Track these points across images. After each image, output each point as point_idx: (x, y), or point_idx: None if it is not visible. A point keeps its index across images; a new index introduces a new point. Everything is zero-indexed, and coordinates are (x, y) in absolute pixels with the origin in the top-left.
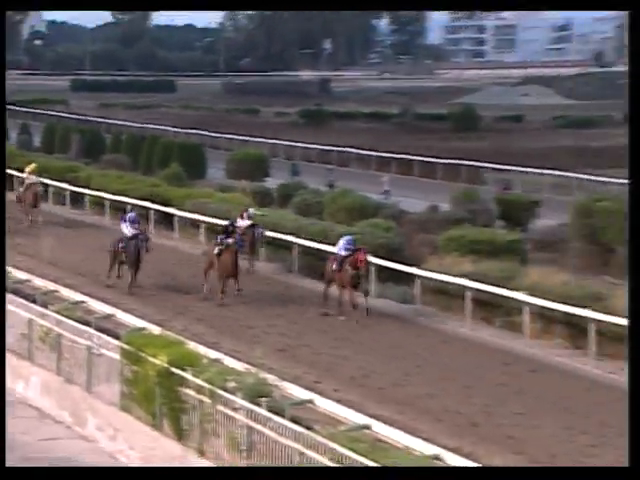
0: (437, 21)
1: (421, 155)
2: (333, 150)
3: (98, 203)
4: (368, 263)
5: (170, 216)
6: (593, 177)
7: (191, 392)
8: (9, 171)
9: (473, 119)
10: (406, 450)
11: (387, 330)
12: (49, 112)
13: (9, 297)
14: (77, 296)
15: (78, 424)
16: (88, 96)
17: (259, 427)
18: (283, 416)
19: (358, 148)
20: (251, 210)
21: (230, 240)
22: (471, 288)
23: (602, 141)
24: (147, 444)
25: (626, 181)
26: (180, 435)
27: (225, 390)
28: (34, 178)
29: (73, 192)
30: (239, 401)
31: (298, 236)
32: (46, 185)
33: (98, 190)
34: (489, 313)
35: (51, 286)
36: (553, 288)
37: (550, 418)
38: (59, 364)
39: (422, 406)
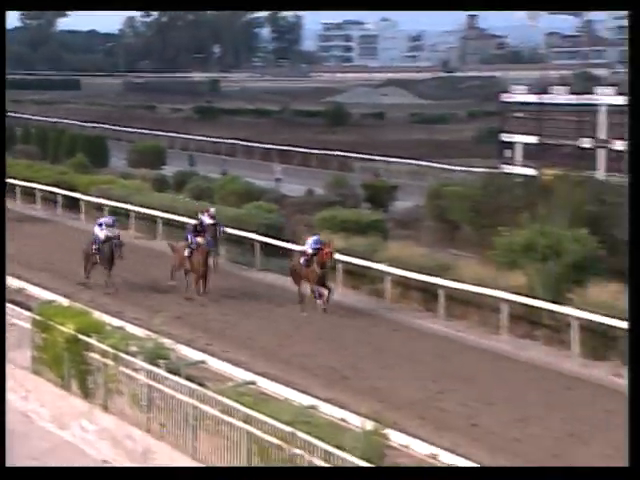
0: (311, 30)
1: (298, 146)
2: (223, 142)
3: (10, 190)
4: (333, 255)
5: (76, 200)
6: (442, 165)
7: (96, 356)
8: None
9: (342, 116)
10: (286, 401)
11: (270, 299)
12: None
13: None
14: None
15: None
16: None
17: (158, 385)
18: (179, 375)
19: (244, 140)
20: (212, 210)
21: (200, 240)
22: (341, 261)
23: (449, 135)
24: (56, 403)
25: (470, 169)
26: (87, 394)
27: (127, 354)
28: None
29: None
30: (140, 363)
31: (192, 217)
32: None
33: (9, 178)
34: (357, 282)
35: None
36: (410, 260)
37: (408, 370)
38: None
39: (300, 363)
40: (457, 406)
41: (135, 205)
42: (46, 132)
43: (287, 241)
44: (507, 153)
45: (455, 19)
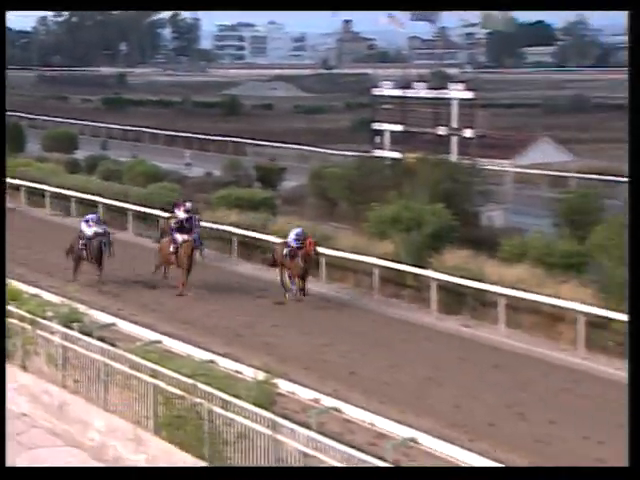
0: (208, 31)
1: (198, 134)
2: (130, 129)
3: None
4: (316, 250)
5: None
6: (323, 150)
7: (15, 321)
8: None
9: (236, 107)
10: (188, 357)
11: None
12: None
13: None
14: None
15: None
16: None
17: (72, 346)
18: (91, 336)
19: (150, 128)
20: (188, 204)
21: (186, 237)
22: (236, 234)
23: (329, 124)
24: None
25: (346, 153)
26: (6, 355)
27: (43, 318)
28: None
29: None
30: (55, 326)
31: (103, 196)
32: None
33: None
34: (250, 252)
35: None
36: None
37: (295, 327)
38: None
39: (200, 324)
40: (338, 357)
41: (51, 186)
42: None
43: None
44: (377, 139)
45: (332, 23)
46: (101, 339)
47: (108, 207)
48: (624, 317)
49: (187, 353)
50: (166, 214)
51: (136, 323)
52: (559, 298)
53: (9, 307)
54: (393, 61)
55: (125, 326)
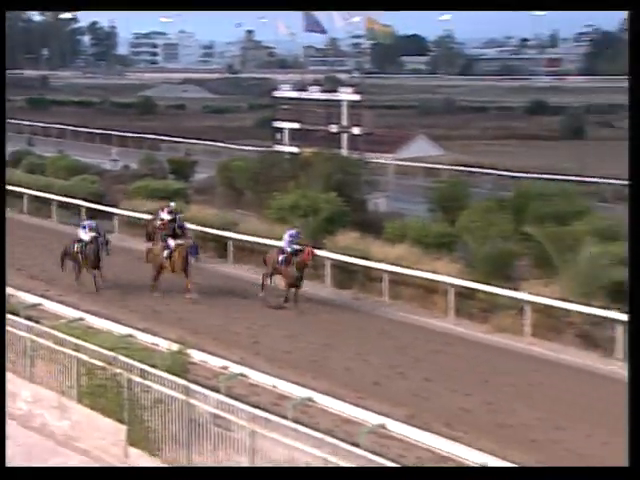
0: (124, 38)
1: (116, 131)
2: (54, 127)
3: None
4: (314, 255)
5: None
6: (230, 145)
7: None
8: None
9: (151, 107)
10: (109, 332)
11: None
12: None
13: None
14: None
15: None
16: None
17: None
18: (19, 316)
19: (72, 126)
20: (172, 204)
21: (180, 242)
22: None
23: (235, 122)
24: None
25: (250, 148)
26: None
27: None
28: None
29: None
30: None
31: (28, 188)
32: None
33: None
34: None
35: None
36: (206, 218)
37: (206, 304)
38: None
39: (121, 302)
40: (244, 329)
41: None
42: None
43: (108, 205)
44: (278, 136)
45: (236, 33)
46: (28, 318)
47: (34, 198)
48: (487, 288)
49: (108, 329)
50: (149, 216)
51: (61, 302)
52: (433, 273)
53: None
54: (291, 67)
55: (51, 305)
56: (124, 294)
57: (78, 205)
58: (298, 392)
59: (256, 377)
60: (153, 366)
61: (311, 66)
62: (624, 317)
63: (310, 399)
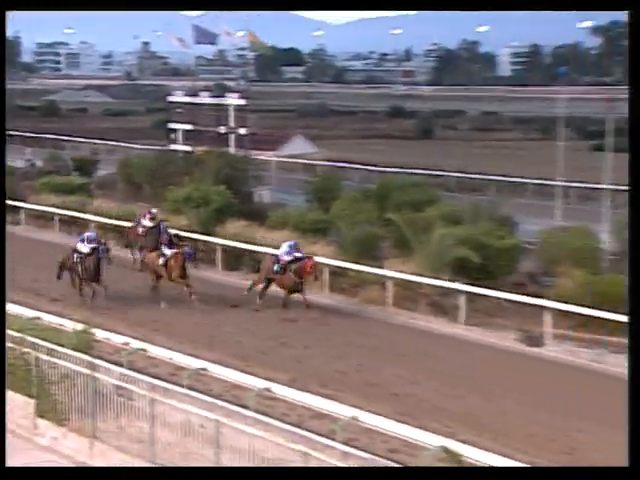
0: (29, 47)
1: (24, 132)
2: None
3: None
4: (316, 269)
5: None
6: (129, 145)
7: None
8: None
9: (55, 110)
10: (17, 316)
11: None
12: None
13: None
14: None
15: None
16: None
17: None
18: None
19: None
20: (154, 210)
21: (175, 250)
22: (57, 213)
23: (134, 124)
24: None
25: (148, 147)
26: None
27: None
28: None
29: None
30: None
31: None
32: None
33: None
34: (69, 227)
35: None
36: (108, 211)
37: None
38: None
39: (28, 288)
40: (145, 310)
41: None
42: None
43: (16, 200)
44: (172, 136)
45: (134, 44)
46: None
47: None
48: (356, 266)
49: (17, 312)
50: (130, 223)
51: (20, 303)
52: (312, 255)
53: None
54: (184, 75)
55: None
56: (32, 282)
57: None
58: (193, 363)
59: (155, 351)
60: (59, 344)
61: (202, 74)
62: (466, 288)
63: (204, 369)
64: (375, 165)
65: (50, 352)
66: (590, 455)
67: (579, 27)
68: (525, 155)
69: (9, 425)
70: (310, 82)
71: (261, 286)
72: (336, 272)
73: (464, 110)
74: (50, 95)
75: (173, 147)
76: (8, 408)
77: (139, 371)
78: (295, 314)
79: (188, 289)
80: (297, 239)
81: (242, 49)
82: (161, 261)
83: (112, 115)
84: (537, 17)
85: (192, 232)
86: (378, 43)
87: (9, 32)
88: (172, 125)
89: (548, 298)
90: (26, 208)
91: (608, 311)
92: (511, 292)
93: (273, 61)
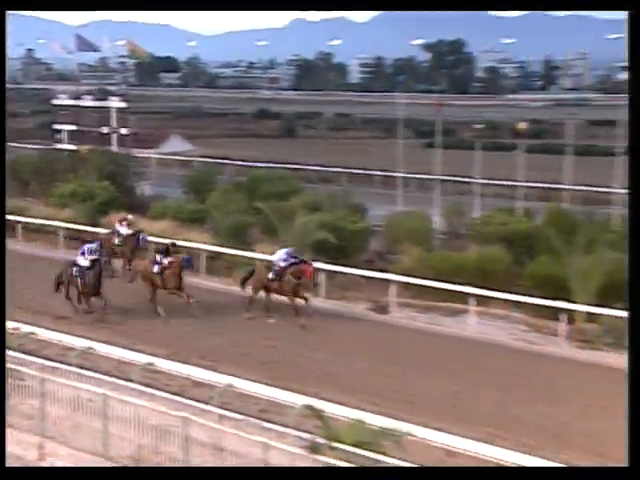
0: None
1: None
2: None
3: None
4: (315, 274)
5: None
6: (16, 145)
7: None
8: None
9: None
10: None
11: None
12: None
13: None
14: None
15: None
16: None
17: None
18: None
19: None
20: (130, 217)
21: (171, 259)
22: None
23: (20, 125)
24: None
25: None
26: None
27: None
28: None
29: None
30: None
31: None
32: None
33: None
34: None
35: None
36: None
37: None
38: None
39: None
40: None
41: None
42: None
43: None
44: (58, 136)
45: (18, 51)
46: None
47: None
48: (230, 251)
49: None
50: (105, 231)
51: None
52: (190, 241)
53: None
54: (68, 80)
55: None
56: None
57: None
58: (80, 343)
59: (44, 334)
60: None
61: (85, 79)
62: (326, 267)
63: (91, 348)
64: (245, 160)
65: None
66: (427, 402)
67: (412, 44)
68: (372, 151)
69: None
70: (185, 87)
71: (252, 295)
72: (212, 257)
73: (321, 112)
74: None
75: (59, 146)
76: None
77: (29, 353)
78: (196, 294)
79: (186, 297)
80: (176, 228)
81: (123, 57)
82: (156, 269)
83: None
84: (380, 32)
85: (78, 224)
86: (246, 53)
87: None
88: (57, 126)
89: (393, 272)
90: None
91: (439, 281)
92: (362, 268)
93: (152, 68)
